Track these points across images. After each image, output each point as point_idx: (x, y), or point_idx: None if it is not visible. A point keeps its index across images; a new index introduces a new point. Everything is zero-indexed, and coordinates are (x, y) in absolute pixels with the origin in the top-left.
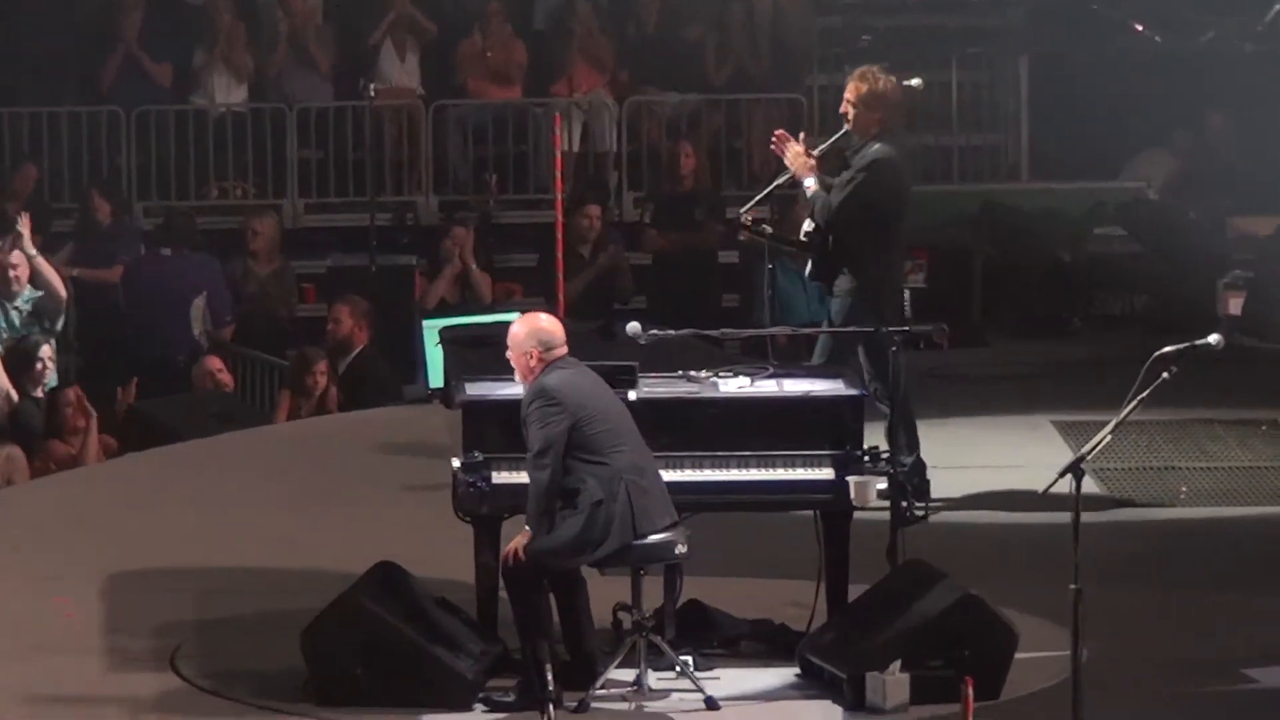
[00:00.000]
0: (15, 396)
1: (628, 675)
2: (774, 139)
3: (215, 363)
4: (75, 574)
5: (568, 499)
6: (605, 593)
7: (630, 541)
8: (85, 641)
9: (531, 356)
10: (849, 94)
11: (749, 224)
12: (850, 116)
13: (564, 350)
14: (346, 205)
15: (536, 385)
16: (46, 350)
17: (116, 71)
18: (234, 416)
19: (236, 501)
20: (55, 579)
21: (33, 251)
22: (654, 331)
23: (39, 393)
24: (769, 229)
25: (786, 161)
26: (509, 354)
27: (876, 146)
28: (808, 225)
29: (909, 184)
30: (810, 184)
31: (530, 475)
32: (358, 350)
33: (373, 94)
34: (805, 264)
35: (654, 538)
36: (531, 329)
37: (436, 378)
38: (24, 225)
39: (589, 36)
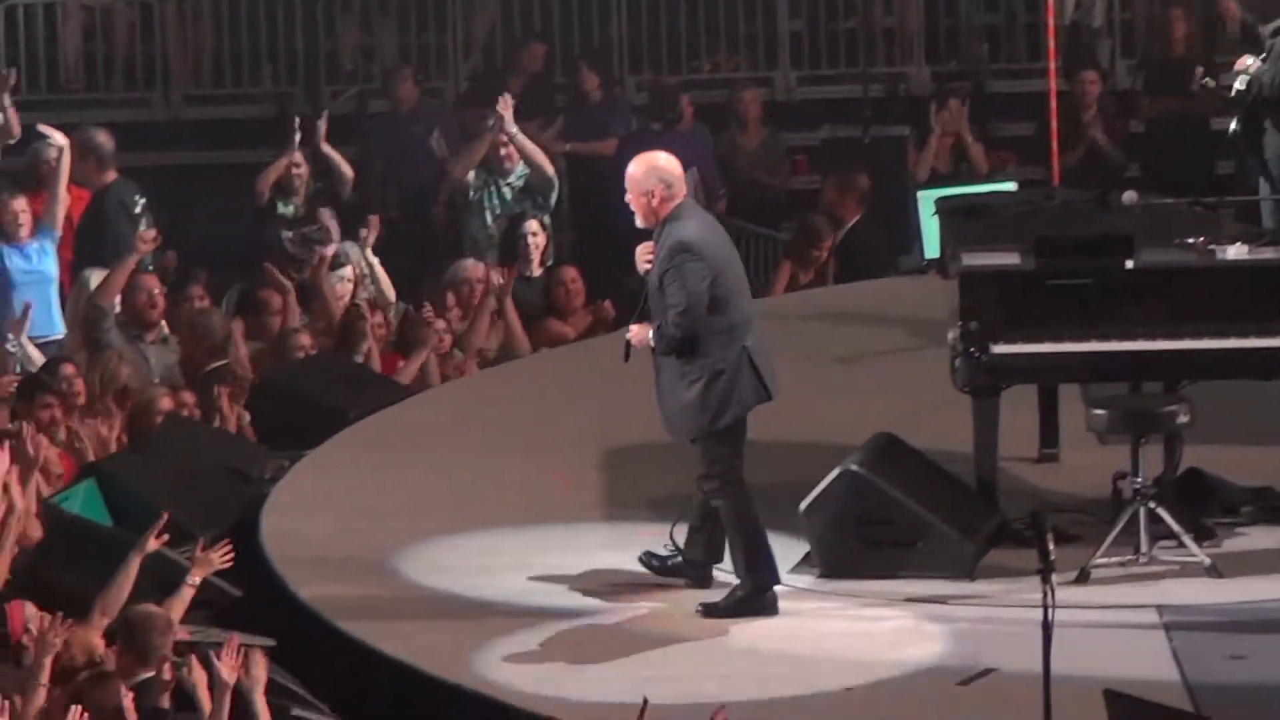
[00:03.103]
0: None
1: (1128, 543)
2: None
3: None
4: (575, 446)
5: (690, 360)
6: (1106, 462)
7: (752, 408)
8: (583, 513)
9: (654, 196)
10: None
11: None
12: None
13: (684, 190)
14: (838, 76)
15: (678, 239)
16: (532, 225)
17: None
18: None
19: None
20: (551, 452)
21: (514, 130)
22: (1151, 200)
23: (534, 270)
24: (1212, 82)
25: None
26: (628, 196)
27: None
28: (1239, 83)
29: None
30: (1251, 63)
31: (667, 330)
32: (850, 224)
33: None
34: None
35: (1156, 407)
36: (651, 167)
37: (933, 248)
38: (505, 106)
39: None
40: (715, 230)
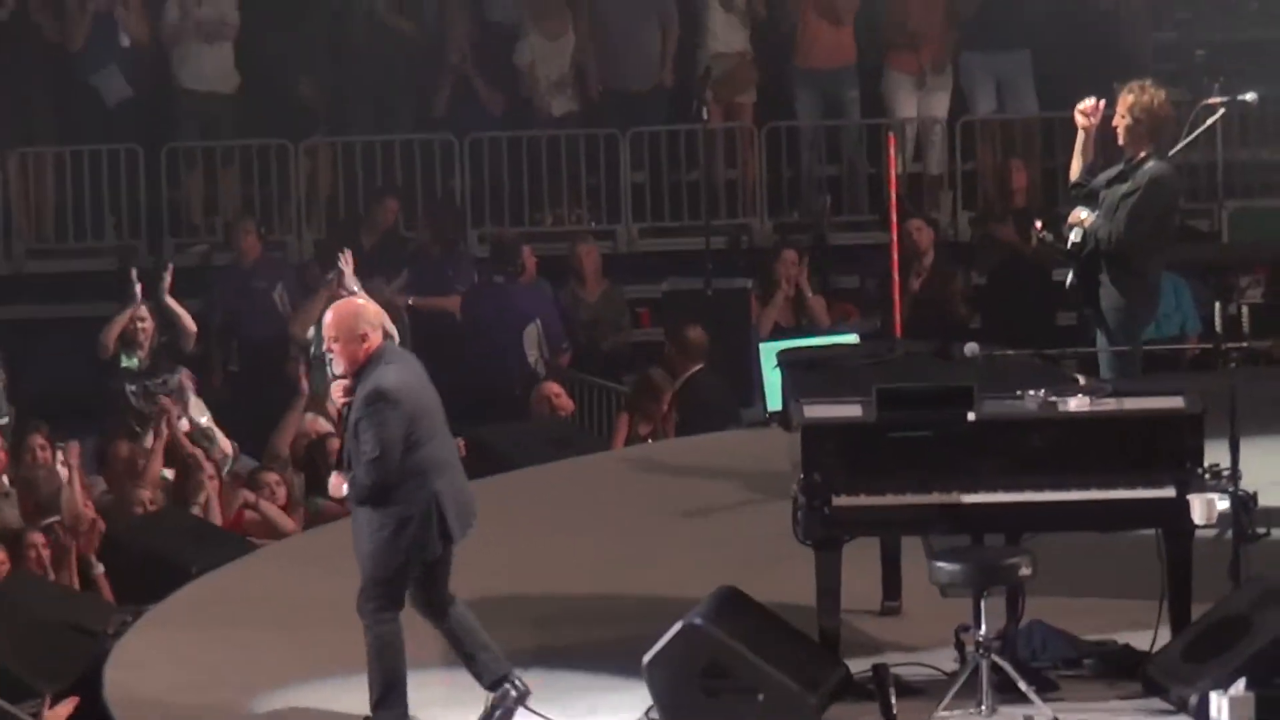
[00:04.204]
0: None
1: (971, 696)
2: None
3: (553, 387)
4: None
5: (380, 506)
6: (948, 614)
7: (439, 555)
8: (424, 667)
9: (366, 340)
10: (1120, 107)
11: (1040, 231)
12: (1121, 130)
13: (382, 335)
14: (680, 229)
15: (375, 386)
16: None
17: (448, 97)
18: (571, 442)
19: (575, 527)
20: None
21: (355, 288)
22: (993, 352)
23: None
24: (1049, 236)
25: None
26: (333, 345)
27: (1152, 164)
28: (1074, 236)
29: (1180, 200)
30: (1085, 216)
31: (360, 478)
32: (687, 375)
33: (705, 116)
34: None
35: (998, 560)
36: (359, 313)
37: (775, 401)
38: (345, 262)
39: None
40: (414, 373)
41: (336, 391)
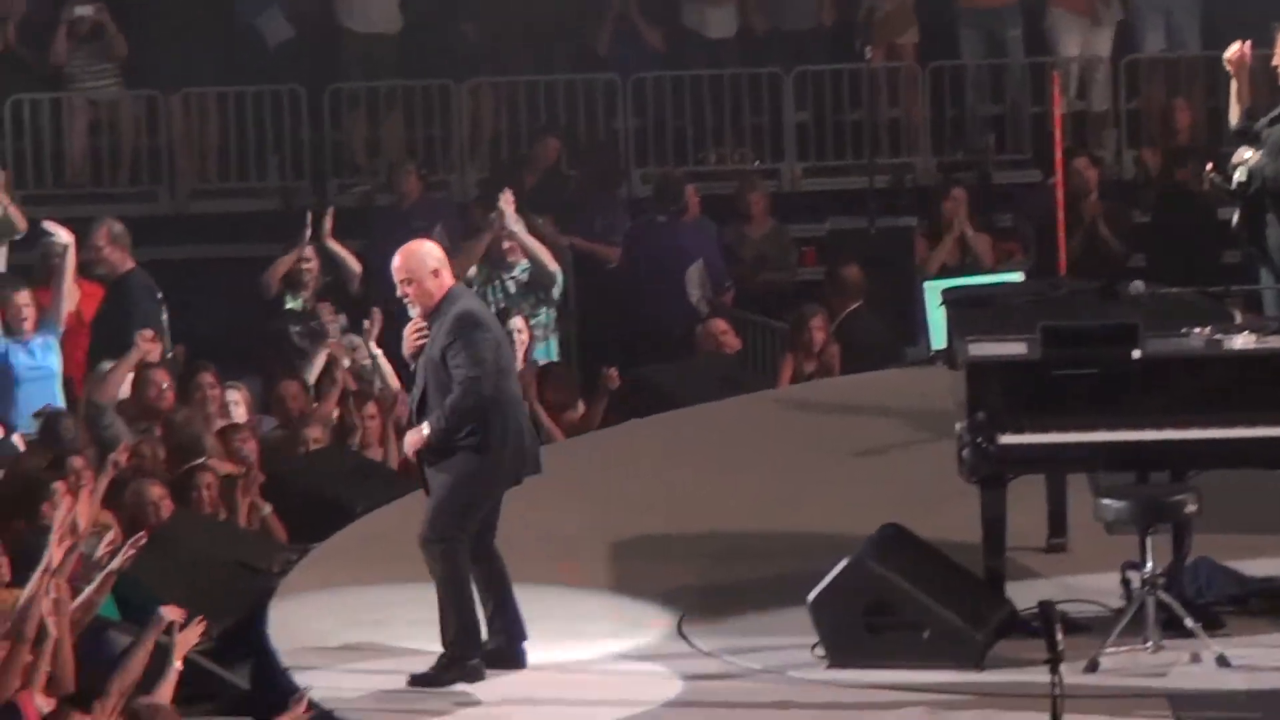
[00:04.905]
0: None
1: (1137, 633)
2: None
3: (720, 325)
4: (582, 539)
5: (471, 429)
6: (1114, 551)
7: (524, 476)
8: (593, 607)
9: (438, 275)
10: (1279, 48)
11: (1211, 173)
12: None
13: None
14: (844, 168)
15: (463, 310)
16: (517, 321)
17: (611, 37)
18: (737, 380)
19: (740, 465)
20: (562, 545)
21: (515, 227)
22: (1157, 290)
23: (519, 365)
24: (1219, 178)
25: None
26: (408, 288)
27: None
28: (1239, 175)
29: None
30: (1250, 156)
31: (456, 401)
32: (846, 312)
33: (868, 56)
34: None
35: (1164, 497)
36: (426, 250)
37: (939, 339)
38: (506, 202)
39: None
40: (490, 312)
41: (410, 333)
